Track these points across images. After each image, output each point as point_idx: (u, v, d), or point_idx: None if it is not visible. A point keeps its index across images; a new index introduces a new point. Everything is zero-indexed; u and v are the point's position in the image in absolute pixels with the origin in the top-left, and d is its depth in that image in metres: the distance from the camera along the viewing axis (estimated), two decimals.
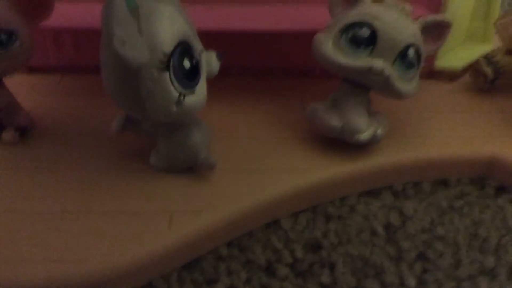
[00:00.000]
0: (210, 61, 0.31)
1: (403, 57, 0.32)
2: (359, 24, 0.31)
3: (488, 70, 0.41)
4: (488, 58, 0.42)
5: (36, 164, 0.34)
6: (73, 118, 0.38)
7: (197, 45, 0.30)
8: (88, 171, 0.33)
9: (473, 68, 0.43)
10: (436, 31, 0.33)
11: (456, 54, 0.46)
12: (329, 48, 0.32)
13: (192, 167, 0.33)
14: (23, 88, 0.41)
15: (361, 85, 0.33)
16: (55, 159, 0.34)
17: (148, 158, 0.34)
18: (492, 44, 0.48)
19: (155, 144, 0.33)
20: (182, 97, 0.29)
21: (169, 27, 0.28)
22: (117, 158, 0.34)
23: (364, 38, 0.31)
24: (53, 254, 0.27)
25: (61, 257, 0.27)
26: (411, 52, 0.32)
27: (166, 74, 0.28)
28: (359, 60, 0.31)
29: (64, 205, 0.30)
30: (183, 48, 0.29)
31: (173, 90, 0.28)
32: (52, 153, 0.35)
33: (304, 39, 0.35)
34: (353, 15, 0.32)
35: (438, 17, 0.33)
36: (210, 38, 0.32)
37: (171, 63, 0.28)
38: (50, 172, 0.33)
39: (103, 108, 0.39)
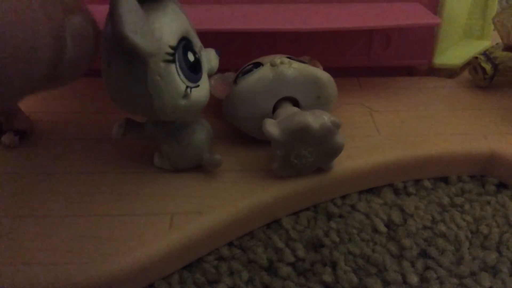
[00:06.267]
0: (209, 58, 0.31)
1: None
2: None
3: (487, 67, 0.41)
4: (486, 54, 0.42)
5: (36, 167, 0.34)
6: (72, 121, 0.38)
7: (197, 41, 0.30)
8: (88, 174, 0.33)
9: (472, 65, 0.43)
10: None
11: (455, 51, 0.46)
12: None
13: (195, 167, 0.33)
14: None
15: None
16: (55, 162, 0.34)
17: (148, 160, 0.34)
18: (490, 41, 0.48)
19: (154, 146, 0.33)
20: (189, 90, 0.29)
21: (173, 21, 0.28)
22: (116, 161, 0.34)
23: None
24: (54, 256, 0.27)
25: (61, 260, 0.27)
26: None
27: (173, 66, 0.28)
28: None
29: (64, 208, 0.30)
30: (186, 43, 0.29)
31: (181, 82, 0.28)
32: (52, 156, 0.35)
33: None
34: None
35: None
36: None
37: (176, 57, 0.28)
38: (50, 175, 0.33)
39: (102, 112, 0.39)
